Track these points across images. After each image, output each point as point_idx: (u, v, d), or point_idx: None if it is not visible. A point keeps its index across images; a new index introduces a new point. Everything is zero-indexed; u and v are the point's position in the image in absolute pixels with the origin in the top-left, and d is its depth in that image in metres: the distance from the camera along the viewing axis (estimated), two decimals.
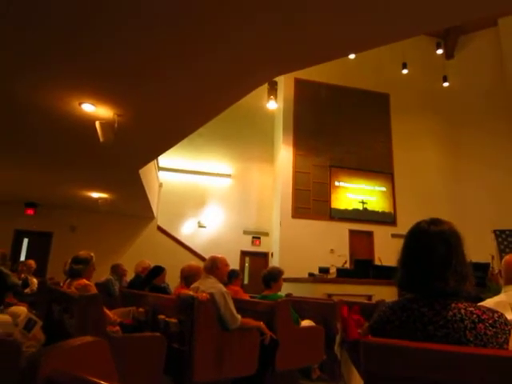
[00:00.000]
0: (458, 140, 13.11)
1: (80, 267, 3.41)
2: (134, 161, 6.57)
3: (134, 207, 9.84)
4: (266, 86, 11.43)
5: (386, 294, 5.81)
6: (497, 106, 12.68)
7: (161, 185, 11.37)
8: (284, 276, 4.11)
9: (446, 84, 12.64)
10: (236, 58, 3.59)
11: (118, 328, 3.27)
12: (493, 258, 8.16)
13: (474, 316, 1.08)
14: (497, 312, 1.10)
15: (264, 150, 12.69)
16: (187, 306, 3.03)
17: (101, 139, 4.82)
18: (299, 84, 12.23)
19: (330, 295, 6.81)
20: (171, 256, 9.52)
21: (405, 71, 12.07)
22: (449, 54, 13.78)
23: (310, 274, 8.80)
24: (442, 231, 1.21)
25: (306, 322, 3.95)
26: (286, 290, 7.03)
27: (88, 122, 4.90)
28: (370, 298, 6.77)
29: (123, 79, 4.05)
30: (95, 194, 8.92)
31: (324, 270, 8.79)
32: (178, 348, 3.08)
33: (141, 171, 7.06)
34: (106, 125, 4.78)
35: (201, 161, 12.15)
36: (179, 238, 11.18)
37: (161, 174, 11.34)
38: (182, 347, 3.04)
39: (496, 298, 1.92)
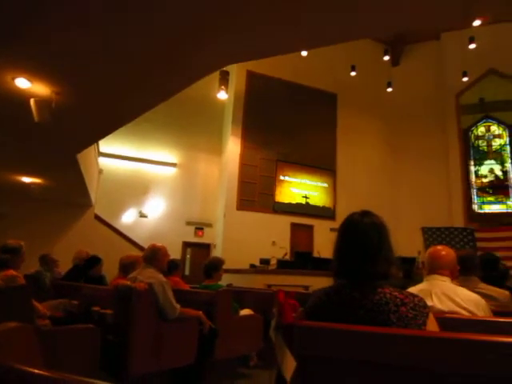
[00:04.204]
0: (396, 143, 13.93)
1: (7, 257, 3.21)
2: (72, 144, 6.21)
3: (70, 194, 9.32)
4: (217, 76, 11.29)
5: (322, 284, 5.98)
6: (433, 114, 13.66)
7: (101, 171, 10.85)
8: (226, 267, 4.14)
9: (389, 89, 13.29)
10: (183, 43, 3.52)
11: (47, 321, 3.11)
12: (419, 253, 8.80)
13: (398, 300, 1.17)
14: (417, 296, 1.20)
15: (212, 141, 12.58)
16: (124, 297, 2.95)
17: (36, 119, 4.48)
18: (251, 76, 12.23)
19: (269, 286, 6.97)
20: (109, 246, 9.15)
21: (353, 73, 12.51)
22: (395, 61, 14.52)
23: (252, 266, 8.93)
24: (374, 222, 1.32)
25: (245, 311, 4.01)
26: (227, 280, 7.07)
27: (22, 99, 4.54)
28: (307, 288, 7.01)
29: (63, 55, 3.80)
30: (27, 179, 8.31)
31: (265, 262, 8.96)
32: (113, 340, 2.99)
33: (79, 156, 6.70)
34: (42, 103, 4.45)
35: (145, 148, 11.77)
36: (119, 227, 10.77)
37: (101, 159, 10.83)
38: (118, 339, 2.96)
39: (419, 286, 2.08)
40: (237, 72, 11.94)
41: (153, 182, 11.77)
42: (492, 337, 0.89)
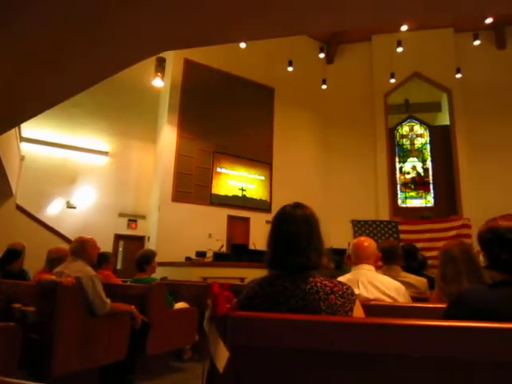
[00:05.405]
0: (329, 138, 14.53)
1: None
2: None
3: None
4: (153, 62, 10.86)
5: (257, 276, 6.14)
6: (363, 112, 14.41)
7: (23, 158, 9.99)
8: (161, 260, 4.05)
9: (324, 86, 13.77)
10: (113, 22, 3.33)
11: None
12: (349, 244, 9.28)
13: (327, 288, 1.22)
14: (346, 285, 1.26)
15: (146, 129, 12.12)
16: (48, 293, 2.76)
17: None
18: (189, 65, 11.94)
19: (205, 278, 6.93)
20: (33, 239, 8.48)
21: (290, 68, 12.73)
22: (329, 59, 15.07)
23: (187, 258, 8.83)
24: (305, 214, 1.36)
25: (180, 305, 3.96)
26: (162, 273, 6.92)
27: None
28: (243, 280, 7.09)
29: None
30: None
31: (201, 254, 8.90)
32: (36, 339, 2.79)
33: None
34: None
35: (73, 135, 11.01)
36: (44, 219, 10.02)
37: (24, 145, 9.97)
38: (42, 338, 2.77)
39: (347, 276, 2.20)
40: (174, 60, 11.60)
41: (82, 170, 11.08)
42: (409, 321, 0.97)
